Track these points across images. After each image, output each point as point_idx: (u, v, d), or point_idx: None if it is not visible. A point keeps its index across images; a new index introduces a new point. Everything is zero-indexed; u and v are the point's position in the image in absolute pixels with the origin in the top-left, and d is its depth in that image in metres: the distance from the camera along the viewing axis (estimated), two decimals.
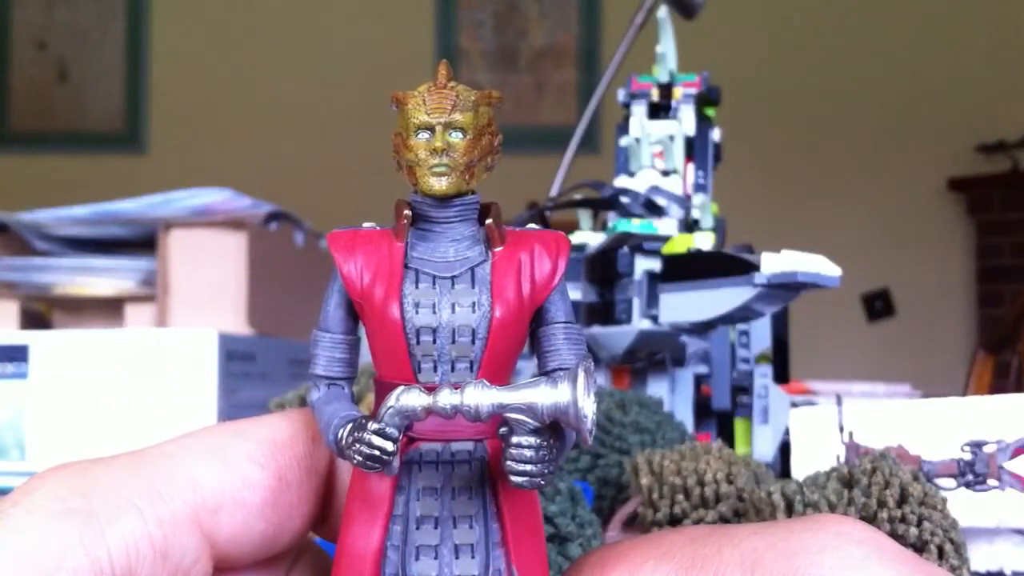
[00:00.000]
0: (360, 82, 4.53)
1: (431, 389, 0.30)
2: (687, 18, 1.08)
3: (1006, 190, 4.41)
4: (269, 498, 0.33)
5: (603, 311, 0.85)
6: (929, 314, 4.54)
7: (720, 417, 0.88)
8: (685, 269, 0.81)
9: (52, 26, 4.82)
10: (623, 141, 0.94)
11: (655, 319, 0.82)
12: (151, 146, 4.76)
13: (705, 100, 0.95)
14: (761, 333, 0.90)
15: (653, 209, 0.90)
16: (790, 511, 0.54)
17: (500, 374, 0.32)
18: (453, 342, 0.31)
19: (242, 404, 0.95)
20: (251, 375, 0.99)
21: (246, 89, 4.68)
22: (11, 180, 4.54)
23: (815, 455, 0.70)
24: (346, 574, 0.31)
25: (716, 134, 0.95)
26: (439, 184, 0.31)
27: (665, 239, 0.85)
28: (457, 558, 0.31)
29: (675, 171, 0.92)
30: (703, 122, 0.94)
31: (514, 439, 0.30)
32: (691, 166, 0.93)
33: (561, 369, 0.32)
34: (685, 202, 0.91)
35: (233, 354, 0.95)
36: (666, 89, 0.94)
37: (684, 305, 0.81)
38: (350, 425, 0.31)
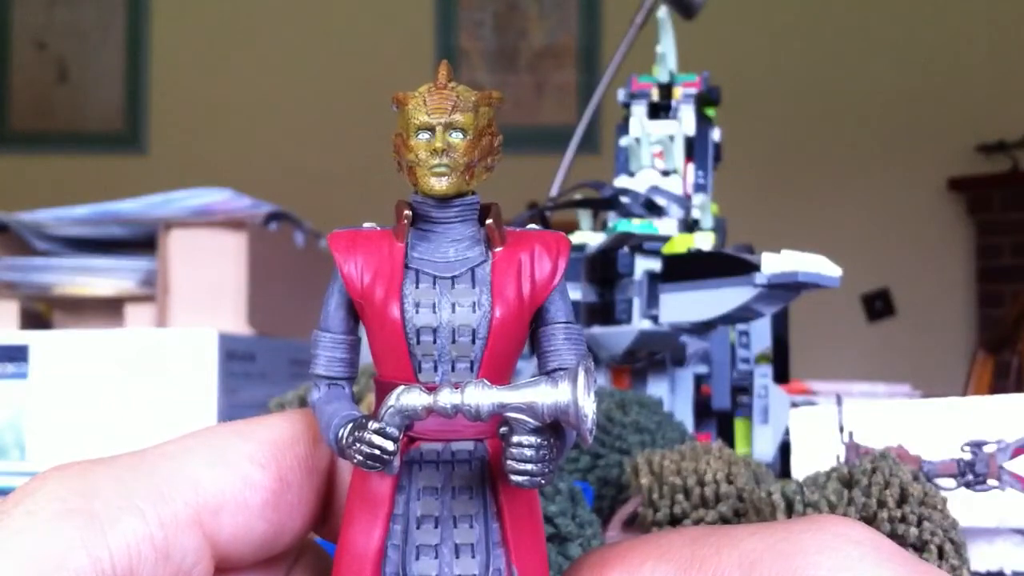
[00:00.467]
0: (360, 82, 4.53)
1: (431, 389, 0.30)
2: (687, 18, 1.08)
3: (1006, 190, 4.40)
4: (270, 499, 0.33)
5: (603, 311, 0.85)
6: (929, 314, 4.54)
7: (720, 417, 0.88)
8: (685, 269, 0.81)
9: (52, 26, 4.81)
10: (623, 141, 0.94)
11: (655, 319, 0.82)
12: (151, 146, 4.76)
13: (705, 100, 0.95)
14: (761, 333, 0.90)
15: (653, 209, 0.90)
16: (790, 511, 0.54)
17: (500, 374, 0.32)
18: (453, 342, 0.31)
19: (242, 404, 0.95)
20: (251, 375, 0.99)
21: (246, 89, 4.67)
22: (11, 180, 4.53)
23: (815, 455, 0.70)
24: (346, 574, 0.31)
25: (716, 134, 0.95)
26: (439, 184, 0.31)
27: (665, 239, 0.85)
28: (457, 557, 0.31)
29: (675, 171, 0.92)
30: (703, 122, 0.94)
31: (514, 438, 0.30)
32: (691, 166, 0.93)
33: (561, 369, 0.32)
34: (685, 202, 0.91)
35: (233, 354, 0.95)
36: (666, 89, 0.94)
37: (684, 305, 0.81)
38: (351, 425, 0.31)
